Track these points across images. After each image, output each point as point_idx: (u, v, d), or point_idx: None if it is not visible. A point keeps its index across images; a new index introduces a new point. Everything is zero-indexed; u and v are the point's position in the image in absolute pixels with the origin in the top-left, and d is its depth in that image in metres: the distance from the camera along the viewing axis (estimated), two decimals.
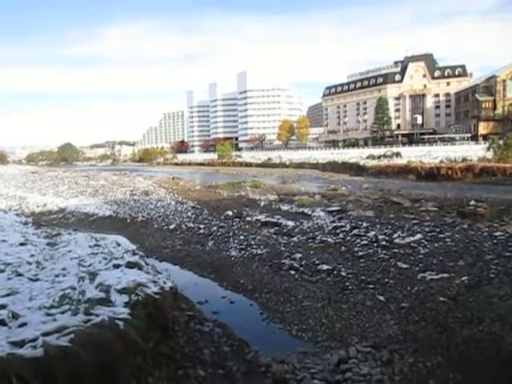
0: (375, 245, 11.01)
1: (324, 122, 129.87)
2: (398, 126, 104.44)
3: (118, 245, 9.66)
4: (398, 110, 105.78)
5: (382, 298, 7.34)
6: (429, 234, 11.90)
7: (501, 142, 38.77)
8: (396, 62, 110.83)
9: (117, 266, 6.81)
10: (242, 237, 12.69)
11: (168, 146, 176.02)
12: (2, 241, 9.44)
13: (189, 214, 17.25)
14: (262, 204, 19.97)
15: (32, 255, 8.03)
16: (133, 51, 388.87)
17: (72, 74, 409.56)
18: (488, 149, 40.03)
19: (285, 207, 18.98)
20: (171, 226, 14.63)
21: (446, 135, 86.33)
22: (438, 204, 18.33)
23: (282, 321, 6.75)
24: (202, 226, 14.40)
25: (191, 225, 14.72)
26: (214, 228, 14.13)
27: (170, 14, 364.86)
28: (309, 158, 68.49)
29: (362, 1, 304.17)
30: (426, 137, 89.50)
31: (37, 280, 6.08)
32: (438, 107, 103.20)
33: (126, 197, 23.42)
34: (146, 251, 11.00)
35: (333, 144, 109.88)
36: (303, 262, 9.65)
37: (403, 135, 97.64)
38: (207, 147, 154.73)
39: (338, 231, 12.93)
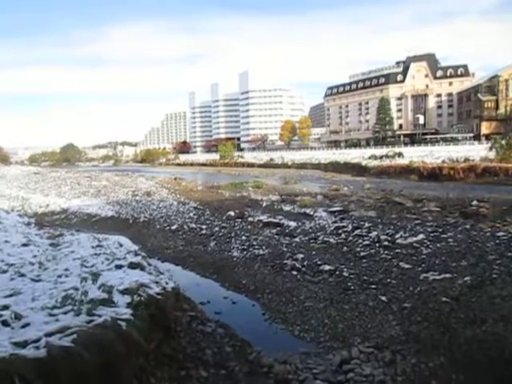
0: (377, 245, 11.00)
1: (326, 122, 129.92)
2: (400, 126, 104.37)
3: (121, 245, 9.65)
4: (400, 110, 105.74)
5: (384, 298, 7.33)
6: (431, 235, 11.87)
7: (503, 142, 38.63)
8: (398, 62, 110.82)
9: (119, 267, 6.82)
10: (243, 237, 12.69)
11: (170, 146, 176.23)
12: (4, 241, 9.46)
13: (191, 214, 17.26)
14: (264, 204, 19.97)
15: (35, 256, 8.05)
16: (135, 52, 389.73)
17: (74, 74, 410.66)
18: (490, 149, 39.92)
19: (287, 208, 18.97)
20: (173, 227, 14.64)
21: (448, 135, 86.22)
22: (440, 204, 18.30)
23: (284, 321, 6.75)
24: (204, 227, 14.41)
25: (193, 225, 14.74)
26: (216, 228, 14.14)
27: (171, 14, 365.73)
28: (311, 158, 68.42)
29: (364, 1, 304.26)
30: (428, 137, 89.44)
31: (39, 280, 6.09)
32: (440, 107, 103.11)
33: (128, 197, 23.45)
34: (149, 252, 11.00)
35: (335, 144, 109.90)
36: (305, 263, 9.64)
37: (405, 135, 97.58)
38: (209, 148, 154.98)
39: (340, 231, 12.92)
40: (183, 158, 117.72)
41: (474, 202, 18.18)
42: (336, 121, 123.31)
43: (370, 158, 53.66)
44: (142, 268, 6.99)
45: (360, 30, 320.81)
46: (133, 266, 6.96)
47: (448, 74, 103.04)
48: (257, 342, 5.90)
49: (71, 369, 3.49)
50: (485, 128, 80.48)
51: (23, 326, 4.08)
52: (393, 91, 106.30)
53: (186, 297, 7.39)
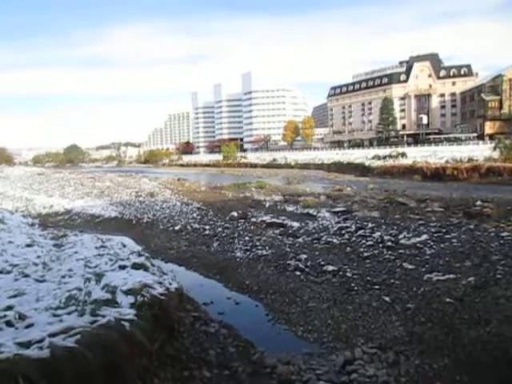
0: (381, 245, 10.97)
1: (329, 122, 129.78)
2: (404, 127, 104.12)
3: (124, 246, 9.69)
4: (403, 110, 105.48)
5: (387, 298, 7.32)
6: (435, 235, 11.83)
7: (507, 142, 38.49)
8: (401, 62, 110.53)
9: (123, 267, 6.84)
10: (247, 238, 12.69)
11: (173, 147, 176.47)
12: (8, 242, 9.50)
13: (194, 215, 17.28)
14: (267, 205, 19.96)
15: (38, 256, 8.09)
16: (138, 52, 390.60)
17: (77, 75, 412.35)
18: (494, 148, 39.77)
19: (290, 208, 18.96)
20: (176, 227, 14.66)
21: (451, 135, 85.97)
22: (443, 204, 18.24)
23: (288, 322, 6.74)
24: (207, 227, 14.42)
25: (196, 226, 14.75)
26: (220, 229, 14.15)
27: (174, 15, 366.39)
28: (314, 158, 68.33)
29: (367, 1, 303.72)
30: (431, 137, 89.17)
31: (43, 281, 6.12)
32: (443, 107, 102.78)
33: (131, 198, 23.48)
34: (152, 252, 11.03)
35: (338, 144, 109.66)
36: (308, 263, 9.63)
37: (408, 135, 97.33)
38: (212, 148, 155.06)
39: (343, 232, 12.90)
40: (186, 158, 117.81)
41: (478, 202, 18.11)
42: (339, 121, 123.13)
43: (373, 158, 53.53)
44: (146, 268, 7.01)
45: (363, 30, 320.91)
46: (136, 266, 6.98)
47: (451, 73, 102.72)
48: (260, 342, 5.90)
49: (75, 369, 3.50)
50: (488, 128, 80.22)
51: (27, 327, 4.09)
52: (396, 91, 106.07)
53: (190, 297, 7.40)
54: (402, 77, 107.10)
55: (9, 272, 6.57)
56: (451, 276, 8.05)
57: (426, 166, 38.76)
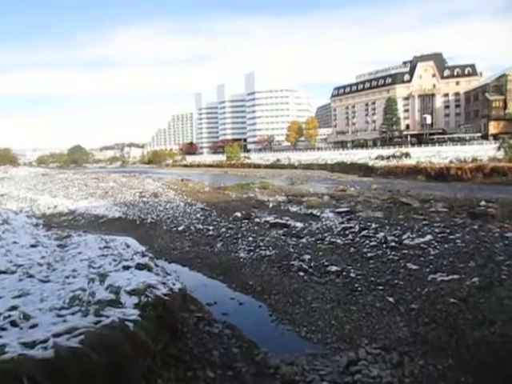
0: (384, 246, 10.95)
1: (332, 122, 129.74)
2: (407, 127, 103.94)
3: (128, 246, 9.70)
4: (406, 111, 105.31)
5: (391, 299, 7.30)
6: (439, 235, 11.80)
7: None
8: (405, 62, 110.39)
9: (126, 268, 6.85)
10: (250, 238, 12.69)
11: (177, 147, 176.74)
12: (13, 242, 9.55)
13: (198, 215, 17.29)
14: (271, 205, 19.96)
15: (43, 257, 8.12)
16: (141, 53, 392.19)
17: (81, 76, 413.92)
18: (499, 148, 39.62)
19: (293, 208, 18.95)
20: (180, 228, 14.68)
21: (455, 135, 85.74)
22: (447, 205, 18.18)
23: (291, 322, 6.74)
24: (210, 228, 14.43)
25: (200, 226, 14.76)
26: (223, 229, 14.15)
27: (177, 16, 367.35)
28: (317, 158, 68.27)
29: (370, 1, 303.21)
30: (435, 137, 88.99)
31: (48, 281, 6.14)
32: (447, 107, 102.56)
33: (135, 199, 23.53)
34: (156, 253, 11.04)
35: (341, 145, 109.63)
36: (312, 264, 9.62)
37: (412, 135, 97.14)
38: (216, 149, 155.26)
39: (346, 232, 12.88)
40: (190, 159, 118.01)
41: (482, 203, 18.04)
42: (343, 121, 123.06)
43: (376, 158, 53.42)
44: (150, 269, 7.02)
45: (366, 31, 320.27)
46: (140, 266, 6.99)
47: (455, 73, 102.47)
48: (264, 342, 5.90)
49: (79, 369, 3.52)
50: (493, 128, 79.95)
51: (31, 327, 4.11)
52: (400, 91, 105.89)
53: (193, 298, 7.41)
54: (406, 77, 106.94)
55: (13, 272, 6.60)
56: (455, 276, 8.02)
57: (430, 166, 38.63)
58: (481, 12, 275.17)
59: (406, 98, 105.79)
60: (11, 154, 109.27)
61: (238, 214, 16.48)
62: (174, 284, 6.49)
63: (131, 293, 5.33)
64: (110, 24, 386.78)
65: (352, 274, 8.77)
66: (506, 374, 4.72)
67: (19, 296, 5.21)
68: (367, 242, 11.50)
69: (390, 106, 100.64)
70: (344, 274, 8.85)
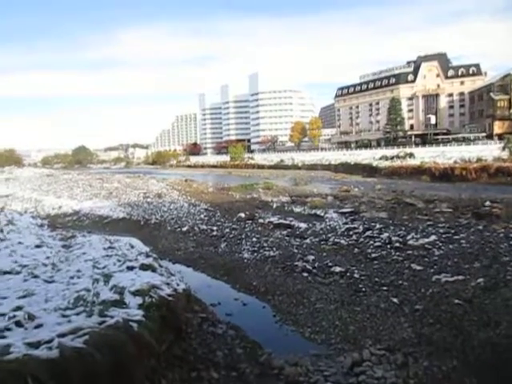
0: (388, 246, 10.92)
1: (336, 123, 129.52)
2: (411, 127, 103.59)
3: (132, 247, 9.73)
4: (411, 111, 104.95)
5: (395, 300, 7.28)
6: (443, 236, 11.76)
7: None
8: (409, 62, 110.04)
9: (131, 268, 6.86)
10: (254, 239, 12.69)
11: (181, 148, 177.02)
12: (18, 243, 9.59)
13: (201, 216, 17.31)
14: (275, 206, 19.96)
15: (47, 257, 8.15)
16: (145, 55, 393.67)
17: (86, 77, 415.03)
18: (503, 148, 39.44)
19: (297, 209, 18.94)
20: (184, 228, 14.70)
21: (460, 135, 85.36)
22: (452, 205, 18.11)
23: (295, 323, 6.73)
24: (214, 228, 14.44)
25: (204, 227, 14.77)
26: (227, 230, 14.16)
27: (180, 17, 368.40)
28: (321, 159, 68.21)
29: (374, 1, 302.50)
30: (439, 137, 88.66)
31: (52, 282, 6.16)
32: (451, 107, 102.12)
33: (139, 199, 23.59)
34: (160, 253, 11.07)
35: (345, 145, 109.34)
36: (316, 264, 9.61)
37: (416, 136, 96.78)
38: (219, 149, 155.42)
39: (350, 233, 12.86)
40: (194, 159, 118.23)
41: (487, 203, 17.96)
42: (346, 121, 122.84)
43: (380, 158, 53.32)
44: (154, 269, 7.04)
45: (370, 31, 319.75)
46: (144, 267, 7.00)
47: (459, 73, 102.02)
48: (267, 343, 5.90)
49: (83, 370, 3.53)
50: (497, 127, 79.57)
51: (36, 327, 4.13)
52: (404, 91, 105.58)
53: (197, 298, 7.42)
54: (410, 77, 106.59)
55: (18, 272, 6.63)
56: (460, 277, 8.00)
57: (435, 166, 38.51)
58: (485, 11, 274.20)
59: (410, 98, 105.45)
60: (16, 155, 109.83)
61: (242, 215, 16.49)
62: (178, 285, 6.49)
63: (135, 293, 5.34)
64: (113, 25, 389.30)
65: (356, 275, 8.75)
66: (511, 376, 4.70)
67: (24, 296, 5.23)
68: (371, 242, 11.47)
69: (394, 106, 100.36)
70: (348, 274, 8.83)
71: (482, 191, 24.46)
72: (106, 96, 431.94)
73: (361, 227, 13.52)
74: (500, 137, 67.72)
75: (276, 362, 5.28)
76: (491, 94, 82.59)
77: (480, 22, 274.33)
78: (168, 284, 6.15)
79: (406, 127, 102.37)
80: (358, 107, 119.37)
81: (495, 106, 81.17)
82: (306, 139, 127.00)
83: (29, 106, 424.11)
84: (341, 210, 17.72)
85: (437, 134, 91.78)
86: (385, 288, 7.92)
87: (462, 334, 5.76)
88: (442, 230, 12.52)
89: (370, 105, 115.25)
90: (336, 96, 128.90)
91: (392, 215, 16.05)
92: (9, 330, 4.04)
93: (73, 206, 21.27)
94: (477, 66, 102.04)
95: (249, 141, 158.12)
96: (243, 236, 13.16)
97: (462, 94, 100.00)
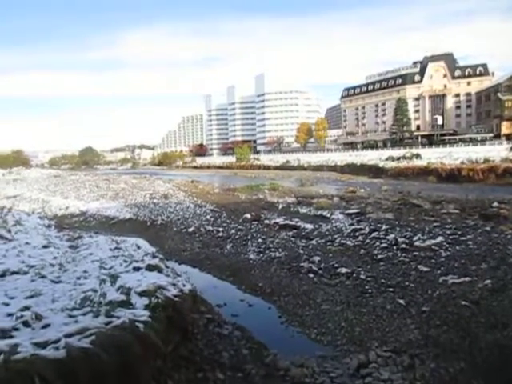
0: (395, 248, 10.88)
1: (342, 123, 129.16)
2: (418, 127, 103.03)
3: (138, 247, 9.76)
4: (417, 111, 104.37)
5: (402, 301, 7.25)
6: (450, 237, 11.70)
7: None
8: (415, 63, 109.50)
9: (137, 269, 6.89)
10: (260, 240, 12.69)
11: (187, 149, 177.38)
12: (25, 243, 9.65)
13: (207, 216, 17.34)
14: (281, 207, 19.95)
15: (55, 257, 8.19)
16: (152, 55, 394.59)
17: (93, 78, 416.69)
18: (511, 149, 39.14)
19: (303, 210, 18.91)
20: (190, 229, 14.73)
21: (467, 136, 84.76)
22: (459, 206, 18.01)
23: (301, 324, 6.72)
24: (220, 229, 14.46)
25: (210, 228, 14.80)
26: (233, 231, 14.17)
27: (187, 17, 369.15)
28: (327, 160, 68.10)
29: (381, 1, 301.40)
30: (446, 138, 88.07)
31: (59, 282, 6.19)
32: (458, 107, 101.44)
33: (145, 200, 23.67)
34: (166, 254, 11.10)
35: (351, 146, 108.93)
36: (322, 265, 9.60)
37: (423, 136, 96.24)
38: (225, 150, 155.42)
39: (357, 234, 12.82)
40: (200, 160, 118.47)
41: (495, 204, 17.85)
42: (352, 122, 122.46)
43: (387, 159, 53.16)
44: (160, 270, 7.06)
45: (376, 31, 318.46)
46: (150, 268, 7.02)
47: (466, 73, 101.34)
48: (273, 344, 5.90)
49: (90, 370, 3.54)
50: (505, 128, 78.90)
51: (43, 327, 4.15)
52: (410, 92, 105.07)
53: (203, 299, 7.43)
54: (416, 77, 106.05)
55: (26, 273, 6.67)
56: (467, 279, 7.95)
57: (441, 167, 38.34)
58: (492, 11, 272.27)
59: (417, 99, 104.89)
60: (23, 156, 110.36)
61: (248, 216, 16.50)
62: (184, 285, 6.50)
63: (142, 294, 5.36)
64: (118, 26, 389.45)
65: (362, 276, 8.73)
66: None
67: (31, 296, 5.27)
68: (377, 243, 11.44)
69: (401, 106, 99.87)
70: (354, 275, 8.81)
71: (489, 192, 24.31)
72: (112, 97, 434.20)
73: (367, 228, 13.48)
74: (508, 137, 67.28)
75: (282, 363, 5.27)
76: (499, 94, 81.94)
77: (487, 21, 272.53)
78: (174, 285, 6.16)
79: (413, 128, 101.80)
80: (364, 108, 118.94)
81: (503, 106, 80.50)
82: (312, 140, 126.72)
83: (36, 107, 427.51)
84: (347, 211, 17.68)
85: (443, 135, 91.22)
86: (391, 289, 7.89)
87: (469, 335, 5.73)
88: (448, 232, 12.46)
89: (376, 105, 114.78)
90: (342, 97, 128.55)
91: (398, 216, 15.99)
92: (16, 329, 4.06)
93: (80, 207, 21.39)
94: (484, 66, 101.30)
95: (255, 142, 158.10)
96: (249, 237, 13.17)
97: (468, 94, 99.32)
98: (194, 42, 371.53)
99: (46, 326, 4.19)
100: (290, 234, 13.35)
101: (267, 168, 74.41)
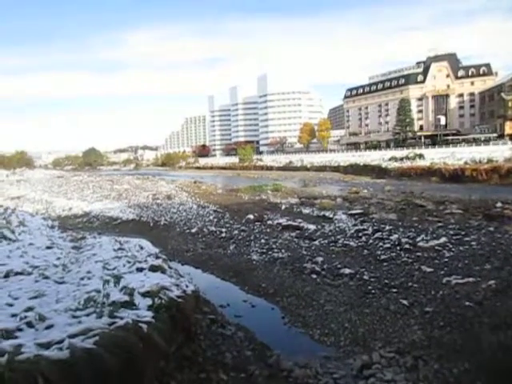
0: (398, 248, 10.86)
1: (345, 124, 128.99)
2: (421, 128, 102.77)
3: (142, 248, 9.77)
4: (420, 111, 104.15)
5: (405, 302, 7.23)
6: (454, 237, 11.67)
7: None
8: (418, 63, 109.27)
9: (140, 270, 6.89)
10: (263, 240, 12.69)
11: (190, 150, 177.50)
12: (29, 244, 9.68)
13: (210, 217, 17.36)
14: (283, 207, 19.94)
15: (58, 258, 8.21)
16: (154, 56, 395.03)
17: (96, 79, 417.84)
18: None
19: (306, 210, 18.90)
20: (193, 230, 14.74)
21: (470, 136, 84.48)
22: (462, 206, 17.96)
23: (304, 325, 6.72)
24: (223, 230, 14.47)
25: (213, 228, 14.81)
26: (236, 232, 14.18)
27: (190, 18, 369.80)
28: (330, 160, 68.05)
29: (383, 1, 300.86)
30: (449, 138, 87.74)
31: (63, 283, 6.21)
32: (461, 107, 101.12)
33: (148, 201, 23.72)
34: (169, 254, 11.11)
35: (354, 146, 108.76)
36: (325, 266, 9.59)
37: (426, 136, 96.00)
38: (228, 151, 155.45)
39: (360, 234, 12.81)
40: (203, 161, 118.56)
41: (498, 204, 17.79)
42: (355, 123, 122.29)
43: (390, 159, 53.10)
44: (163, 271, 7.06)
45: (379, 31, 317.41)
46: (154, 268, 7.03)
47: (470, 73, 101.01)
48: (276, 345, 5.89)
49: (93, 370, 3.55)
50: (509, 128, 78.52)
51: (47, 328, 4.16)
52: (413, 92, 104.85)
53: (206, 300, 7.44)
54: (419, 77, 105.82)
55: (29, 273, 6.69)
56: (471, 279, 7.93)
57: (444, 167, 38.26)
58: (496, 11, 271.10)
59: (420, 99, 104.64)
60: (27, 157, 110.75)
61: (251, 216, 16.50)
62: (187, 286, 6.50)
63: (145, 294, 5.36)
64: (121, 27, 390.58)
65: (365, 277, 8.72)
66: None
67: (35, 297, 5.28)
68: (381, 244, 11.42)
69: (404, 106, 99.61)
70: (357, 276, 8.80)
71: (492, 192, 24.22)
72: (115, 98, 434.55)
73: (370, 229, 13.46)
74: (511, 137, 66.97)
75: (285, 363, 5.27)
76: (502, 94, 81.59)
77: (491, 21, 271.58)
78: (177, 285, 6.16)
79: (416, 128, 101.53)
80: (367, 108, 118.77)
81: (506, 106, 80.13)
82: (315, 141, 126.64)
83: (39, 107, 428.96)
84: (350, 212, 17.66)
85: (447, 135, 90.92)
86: (394, 290, 7.87)
87: (472, 336, 5.71)
88: (452, 232, 12.43)
89: (379, 106, 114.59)
90: (345, 97, 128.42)
91: (402, 217, 15.96)
92: (20, 330, 4.07)
93: (83, 208, 21.44)
94: (487, 65, 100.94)
95: (257, 142, 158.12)
96: (252, 238, 13.17)
97: (472, 94, 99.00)
98: (196, 43, 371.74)
99: (50, 326, 4.20)
100: (293, 234, 13.35)
101: (270, 169, 74.45)
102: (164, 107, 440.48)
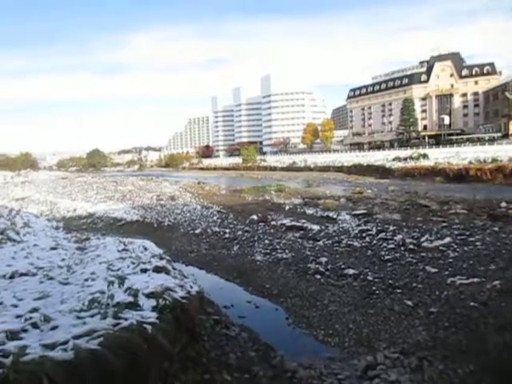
0: (402, 248, 10.83)
1: (349, 124, 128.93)
2: (425, 127, 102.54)
3: (146, 249, 9.78)
4: (424, 111, 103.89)
5: (410, 302, 7.21)
6: (458, 238, 11.63)
7: None
8: (422, 62, 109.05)
9: (144, 271, 6.91)
10: (266, 241, 12.69)
11: (193, 150, 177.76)
12: (34, 245, 9.73)
13: (214, 218, 17.38)
14: (287, 208, 19.93)
15: (63, 259, 8.25)
16: (157, 57, 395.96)
17: (99, 80, 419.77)
18: None
19: (310, 211, 18.88)
20: (197, 231, 14.76)
21: (474, 135, 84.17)
22: (467, 206, 17.89)
23: (308, 326, 6.71)
24: (227, 231, 14.48)
25: (217, 229, 14.83)
26: (239, 232, 14.19)
27: (192, 19, 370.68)
28: (334, 161, 67.90)
29: (386, 1, 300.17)
30: (453, 137, 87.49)
31: (67, 284, 6.24)
32: (465, 107, 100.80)
33: (152, 202, 23.75)
34: (173, 255, 11.12)
35: (358, 146, 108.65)
36: (329, 267, 9.58)
37: (430, 136, 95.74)
38: (232, 151, 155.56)
39: (364, 235, 12.78)
40: (206, 162, 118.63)
41: (503, 204, 17.71)
42: (359, 123, 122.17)
43: (393, 159, 52.91)
44: (167, 272, 7.07)
45: (382, 31, 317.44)
46: (158, 269, 7.04)
47: (474, 72, 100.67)
48: (280, 346, 5.89)
49: (98, 371, 3.56)
50: None
51: (52, 329, 4.18)
52: (417, 92, 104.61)
53: (210, 300, 7.44)
54: (423, 77, 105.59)
55: (34, 274, 6.73)
56: (475, 280, 7.89)
57: (449, 167, 38.12)
58: (499, 10, 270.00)
59: (423, 99, 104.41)
60: (32, 159, 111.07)
61: (255, 217, 16.50)
62: (191, 287, 6.51)
63: (149, 295, 5.37)
64: (122, 30, 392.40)
65: (369, 277, 8.70)
66: None
67: (40, 298, 5.31)
68: (385, 244, 11.40)
69: (407, 106, 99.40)
70: (361, 276, 8.78)
71: (497, 192, 24.09)
72: (119, 99, 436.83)
73: (374, 229, 13.43)
74: None
75: (289, 364, 5.26)
76: (506, 93, 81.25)
77: (493, 21, 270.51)
78: (181, 286, 6.17)
79: (419, 128, 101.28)
80: (370, 108, 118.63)
81: (511, 105, 79.82)
82: (318, 141, 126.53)
83: (43, 109, 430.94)
84: (354, 212, 17.62)
85: (451, 135, 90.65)
86: (399, 290, 7.85)
87: (477, 337, 5.68)
88: (456, 232, 12.38)
89: (383, 106, 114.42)
90: (348, 97, 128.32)
91: (406, 217, 15.92)
92: (25, 331, 4.09)
93: (87, 209, 21.51)
94: (491, 64, 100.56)
95: (261, 143, 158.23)
96: (256, 238, 13.17)
97: (476, 93, 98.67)
98: (196, 44, 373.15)
99: (55, 327, 4.21)
100: (297, 235, 13.34)
101: (273, 169, 74.40)
102: (167, 108, 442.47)
